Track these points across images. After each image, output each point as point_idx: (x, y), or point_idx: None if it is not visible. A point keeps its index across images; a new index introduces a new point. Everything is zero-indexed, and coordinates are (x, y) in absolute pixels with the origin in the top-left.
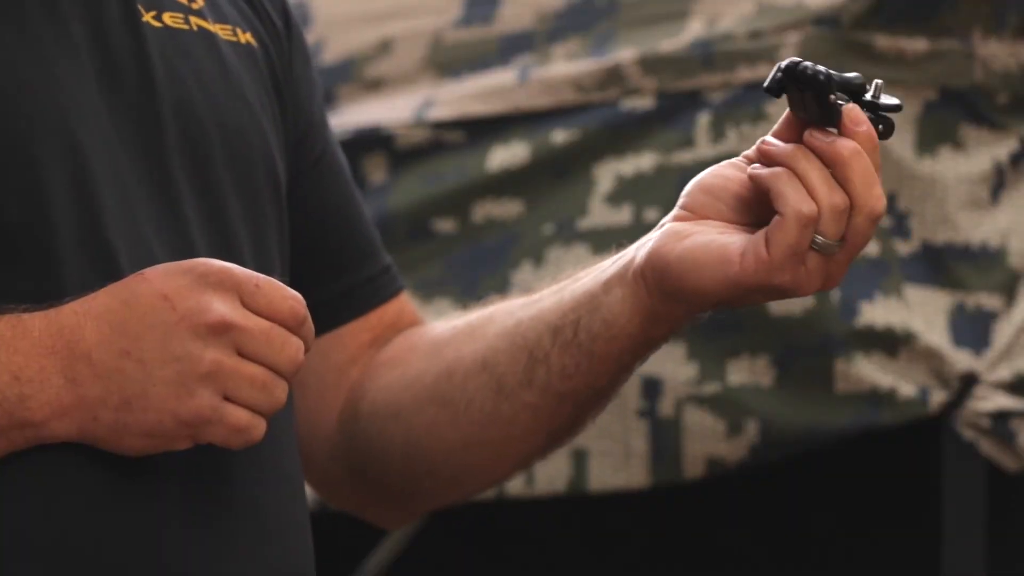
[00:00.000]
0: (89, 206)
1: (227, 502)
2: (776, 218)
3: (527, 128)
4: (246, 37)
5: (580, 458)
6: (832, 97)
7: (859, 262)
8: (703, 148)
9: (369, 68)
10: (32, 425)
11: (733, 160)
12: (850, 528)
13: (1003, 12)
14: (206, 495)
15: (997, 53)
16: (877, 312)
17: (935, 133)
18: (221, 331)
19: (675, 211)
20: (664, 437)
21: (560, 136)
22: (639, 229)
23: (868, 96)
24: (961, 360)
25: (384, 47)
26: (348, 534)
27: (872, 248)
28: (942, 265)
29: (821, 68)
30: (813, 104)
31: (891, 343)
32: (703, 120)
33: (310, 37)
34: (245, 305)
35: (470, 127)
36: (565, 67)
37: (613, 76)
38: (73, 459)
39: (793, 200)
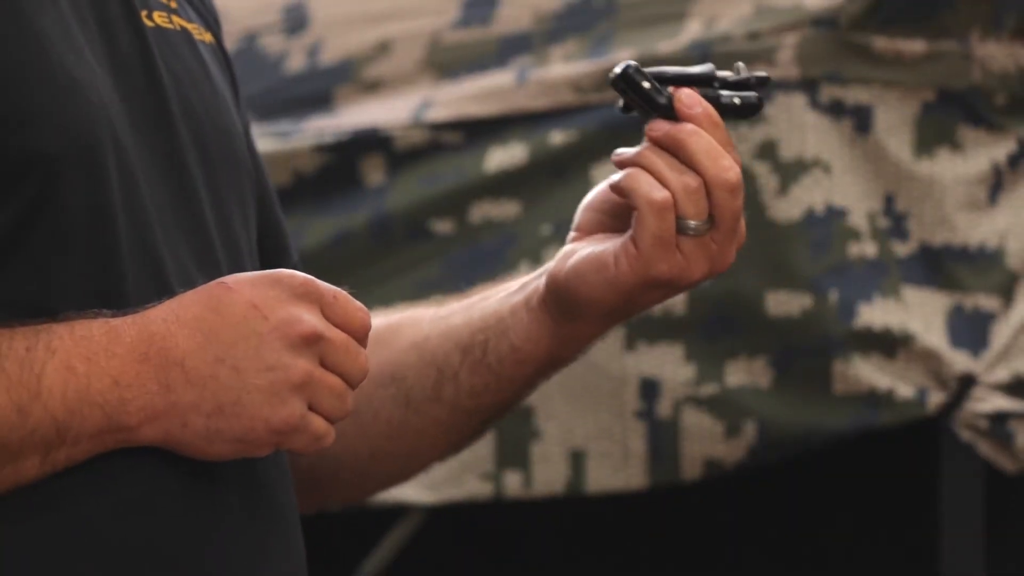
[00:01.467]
0: (137, 207)
1: (257, 504)
2: (635, 213)
3: (525, 129)
4: (208, 36)
5: (578, 460)
6: (652, 89)
7: (857, 263)
8: None
9: (367, 69)
10: (126, 429)
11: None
12: (849, 529)
13: (1001, 13)
14: (242, 499)
15: (995, 54)
16: (875, 313)
17: (933, 134)
18: (312, 342)
19: (570, 234)
20: (662, 438)
21: (558, 137)
22: None
23: (730, 79)
24: (959, 361)
25: (382, 48)
26: (347, 534)
27: (870, 249)
28: (940, 266)
29: (635, 68)
30: (649, 103)
31: (889, 344)
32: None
33: (308, 38)
34: (325, 316)
35: (468, 128)
36: (563, 68)
37: None
38: (133, 464)
39: (643, 191)
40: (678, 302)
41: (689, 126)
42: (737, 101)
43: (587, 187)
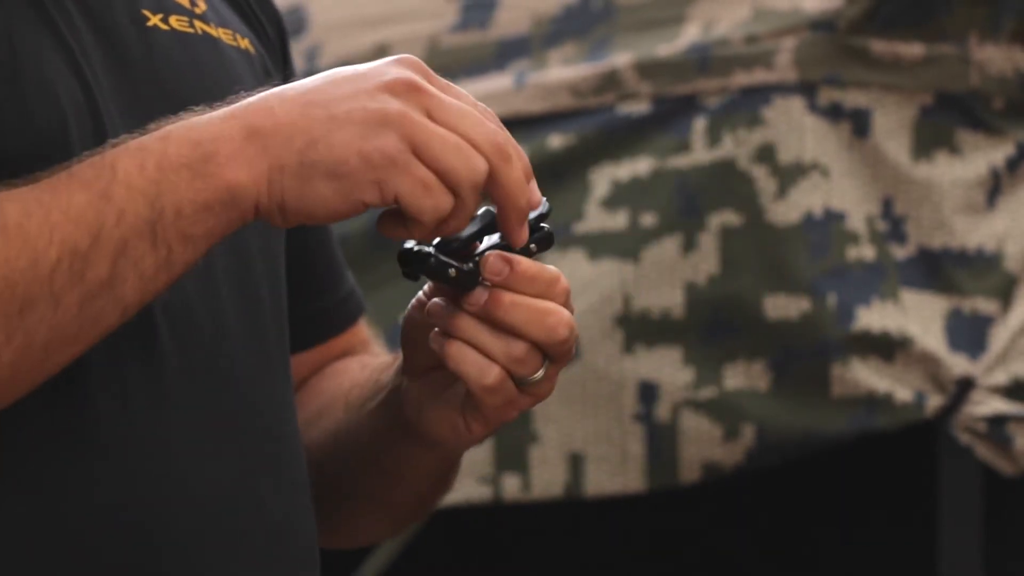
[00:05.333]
0: None
1: (234, 502)
2: (469, 392)
3: (524, 133)
4: (245, 43)
5: (577, 463)
6: (452, 270)
7: (855, 266)
8: (699, 152)
9: None
10: (223, 185)
11: (418, 296)
12: (847, 531)
13: (999, 17)
14: (215, 493)
15: (993, 58)
16: (874, 317)
17: (931, 138)
18: (410, 90)
19: (399, 362)
20: (661, 442)
21: (556, 141)
22: (635, 233)
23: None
24: (957, 364)
25: (381, 52)
26: None
27: (868, 252)
28: (938, 270)
29: (412, 252)
30: (452, 283)
31: (887, 347)
32: (699, 125)
33: (307, 42)
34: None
35: None
36: (561, 72)
37: (609, 81)
38: (93, 452)
39: (474, 376)
40: (676, 305)
41: (506, 298)
42: (533, 247)
43: (585, 190)
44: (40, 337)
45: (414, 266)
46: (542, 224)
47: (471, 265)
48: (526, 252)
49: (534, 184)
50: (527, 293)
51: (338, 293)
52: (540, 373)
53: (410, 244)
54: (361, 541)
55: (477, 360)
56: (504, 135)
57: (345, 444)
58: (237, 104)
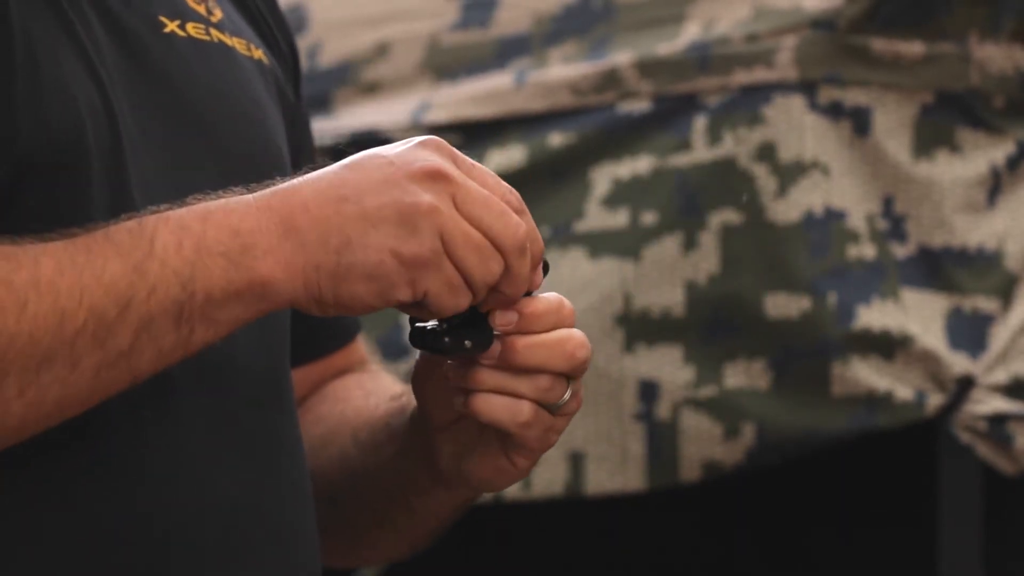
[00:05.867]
0: (126, 212)
1: (235, 507)
2: (508, 435)
3: (524, 131)
4: (258, 54)
5: (577, 461)
6: (467, 343)
7: (856, 265)
8: (699, 151)
9: (366, 71)
10: (258, 279)
11: (415, 365)
12: (847, 531)
13: (999, 15)
14: (215, 500)
15: (993, 56)
16: (874, 315)
17: (932, 136)
18: (437, 178)
19: (411, 406)
20: (661, 440)
21: (557, 139)
22: (635, 232)
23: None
24: (958, 363)
25: (381, 50)
26: None
27: (869, 251)
28: (939, 268)
29: (437, 329)
30: (469, 351)
31: (888, 346)
32: (699, 123)
33: (307, 40)
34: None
35: (467, 130)
36: (562, 70)
37: (610, 79)
38: (86, 457)
39: (507, 419)
40: (677, 304)
41: (520, 343)
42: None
43: (586, 189)
44: (53, 395)
45: (428, 345)
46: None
47: (482, 328)
48: (527, 293)
49: (539, 271)
50: (539, 331)
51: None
52: (568, 394)
53: (420, 324)
54: (373, 562)
55: (506, 403)
56: (522, 228)
57: (363, 483)
58: (273, 192)
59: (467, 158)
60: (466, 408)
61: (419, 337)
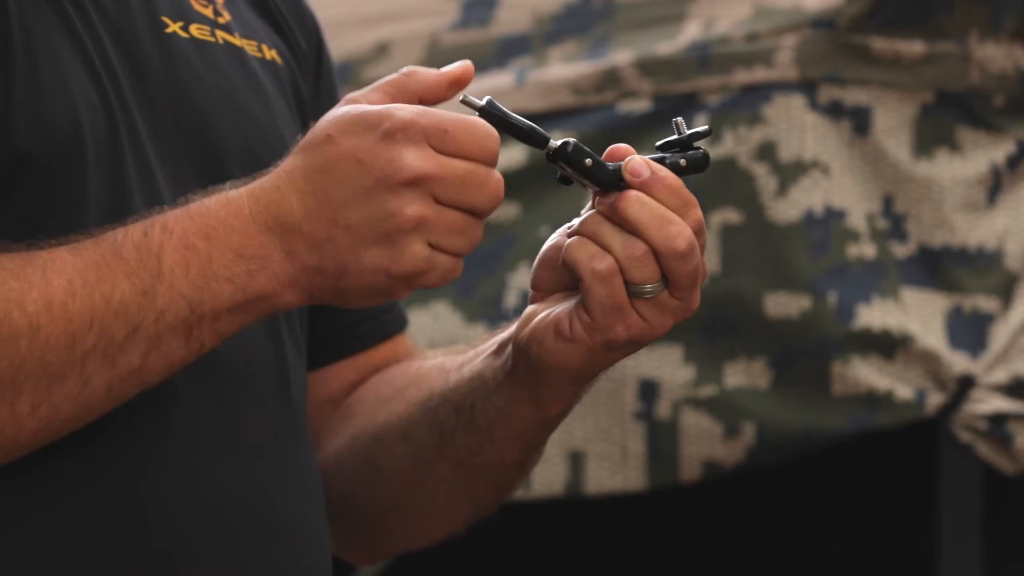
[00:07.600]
0: (124, 209)
1: (239, 503)
2: (580, 282)
3: None
4: (271, 54)
5: (577, 461)
6: (595, 165)
7: (856, 264)
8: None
9: (366, 71)
10: (265, 297)
11: (568, 226)
12: (848, 530)
13: (999, 15)
14: (219, 496)
15: (993, 56)
16: (874, 315)
17: (932, 136)
18: (416, 184)
19: (530, 292)
20: (661, 440)
21: (557, 138)
22: None
23: (672, 139)
24: (958, 362)
25: (381, 50)
26: None
27: (869, 250)
28: (939, 268)
29: (574, 146)
30: (593, 180)
31: (888, 346)
32: (700, 122)
33: None
34: (436, 150)
35: None
36: (562, 70)
37: (610, 79)
38: (86, 455)
39: (584, 262)
40: None
41: (632, 193)
42: (683, 162)
43: (586, 188)
44: (65, 411)
45: (558, 156)
46: (697, 145)
47: (614, 172)
48: (675, 167)
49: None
50: (659, 200)
51: (367, 308)
52: (653, 287)
53: (561, 144)
54: (433, 533)
55: (591, 248)
56: (500, 189)
57: (441, 405)
58: (268, 210)
59: (438, 119)
60: (563, 253)
61: (563, 151)
